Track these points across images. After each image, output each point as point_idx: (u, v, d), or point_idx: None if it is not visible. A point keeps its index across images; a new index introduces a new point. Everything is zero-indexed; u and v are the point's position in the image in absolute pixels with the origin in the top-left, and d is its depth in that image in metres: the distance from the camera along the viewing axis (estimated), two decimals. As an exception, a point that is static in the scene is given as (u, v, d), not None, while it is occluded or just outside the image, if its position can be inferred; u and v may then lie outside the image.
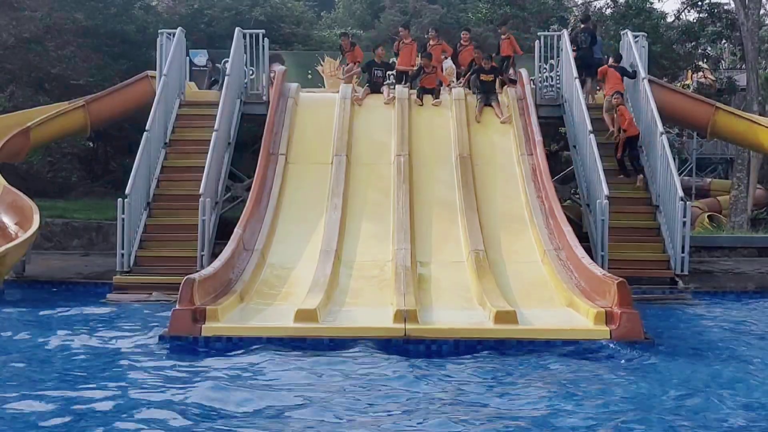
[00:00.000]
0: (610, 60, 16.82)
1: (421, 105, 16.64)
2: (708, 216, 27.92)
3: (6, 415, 6.70)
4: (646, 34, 17.97)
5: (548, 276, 12.00)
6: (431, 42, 18.38)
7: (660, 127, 14.94)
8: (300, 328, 9.55)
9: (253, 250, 12.66)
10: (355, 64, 18.10)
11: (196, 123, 16.42)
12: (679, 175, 17.33)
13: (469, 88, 17.14)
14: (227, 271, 11.42)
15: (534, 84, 17.26)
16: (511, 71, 18.93)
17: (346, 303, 11.07)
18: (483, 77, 16.35)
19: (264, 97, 17.13)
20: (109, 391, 7.50)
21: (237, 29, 17.27)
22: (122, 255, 13.95)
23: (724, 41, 30.95)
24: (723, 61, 36.11)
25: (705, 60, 30.16)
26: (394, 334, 9.39)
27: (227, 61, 16.81)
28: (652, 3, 27.24)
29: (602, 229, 13.80)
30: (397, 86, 17.17)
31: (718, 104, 18.54)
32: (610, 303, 9.75)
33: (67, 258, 17.06)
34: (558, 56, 17.23)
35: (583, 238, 13.75)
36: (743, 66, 28.17)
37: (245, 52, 17.25)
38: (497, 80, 16.69)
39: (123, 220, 13.89)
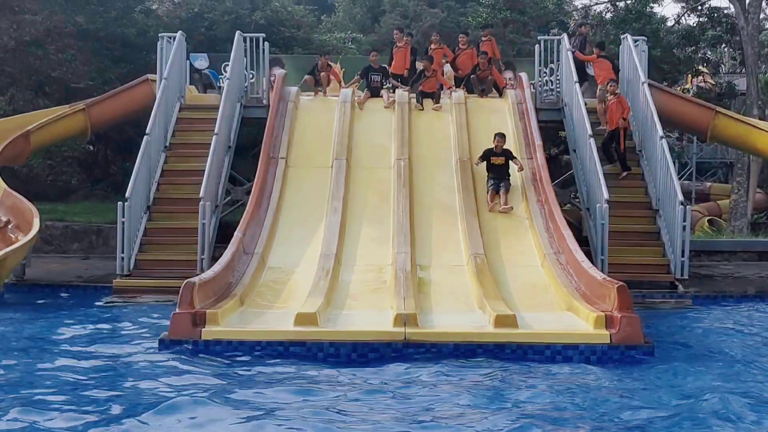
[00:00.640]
0: (595, 50, 17.09)
1: (422, 110, 16.64)
2: (708, 220, 27.96)
3: (5, 418, 6.70)
4: (646, 39, 17.99)
5: (548, 280, 12.00)
6: (432, 46, 18.41)
7: (660, 131, 14.95)
8: (300, 331, 9.55)
9: (253, 254, 12.66)
10: (328, 85, 17.53)
11: (196, 126, 16.43)
12: (679, 179, 17.35)
13: (469, 91, 17.22)
14: (227, 275, 11.43)
15: (534, 88, 17.29)
16: (510, 74, 19.00)
17: (346, 306, 11.07)
18: (493, 159, 14.55)
19: (264, 101, 17.15)
20: (108, 395, 7.50)
21: (237, 33, 17.29)
22: (122, 258, 13.97)
23: (724, 45, 30.98)
24: (723, 66, 36.15)
25: (705, 64, 30.21)
26: (394, 337, 9.38)
27: (227, 65, 16.84)
28: (652, 7, 27.27)
29: (602, 233, 13.81)
30: (397, 90, 17.17)
31: (718, 108, 18.57)
32: (610, 307, 9.74)
33: (67, 261, 17.07)
34: (558, 60, 17.26)
35: (583, 242, 13.75)
36: (743, 70, 28.21)
37: (245, 56, 17.27)
38: (510, 163, 14.62)
39: (123, 223, 13.90)
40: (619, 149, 15.78)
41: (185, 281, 9.83)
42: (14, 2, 21.91)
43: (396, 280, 11.54)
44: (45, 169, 24.45)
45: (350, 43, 30.63)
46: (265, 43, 17.46)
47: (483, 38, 18.79)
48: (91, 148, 24.49)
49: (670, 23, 29.23)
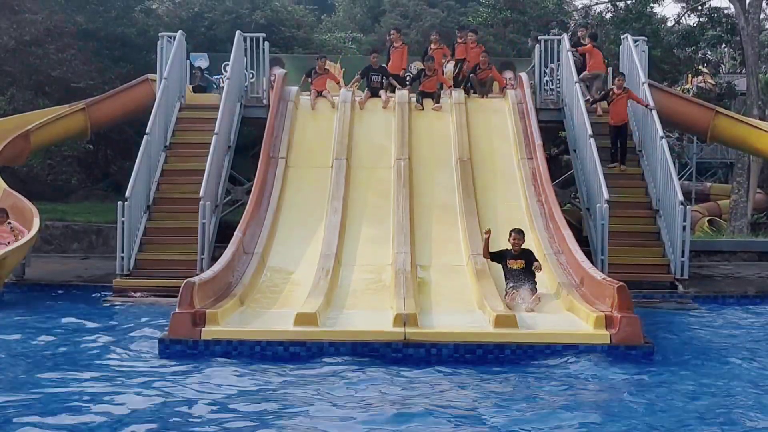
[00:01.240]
0: (588, 40, 17.74)
1: (422, 110, 16.64)
2: (708, 220, 27.97)
3: (4, 418, 6.70)
4: (646, 39, 18.04)
5: (548, 280, 12.00)
6: (432, 45, 18.40)
7: (660, 131, 14.95)
8: (300, 331, 9.54)
9: (253, 254, 12.66)
10: (323, 90, 17.21)
11: (196, 126, 16.43)
12: (679, 179, 17.37)
13: (469, 88, 17.28)
14: (227, 275, 11.42)
15: (534, 88, 17.30)
16: (510, 75, 19.00)
17: (345, 306, 11.07)
18: (510, 263, 11.35)
19: (264, 101, 17.15)
20: (108, 395, 7.50)
21: (237, 33, 17.29)
22: (122, 258, 13.97)
23: (724, 45, 31.01)
24: (723, 66, 36.17)
25: (705, 64, 30.21)
26: (394, 337, 9.38)
27: (227, 65, 16.83)
28: (652, 7, 27.29)
29: (602, 233, 13.81)
30: (397, 90, 17.15)
31: (718, 108, 18.59)
32: (609, 307, 9.74)
33: (66, 261, 17.07)
34: (558, 60, 17.26)
35: (583, 242, 13.74)
36: (743, 70, 28.22)
37: (245, 56, 17.27)
38: (529, 266, 11.31)
39: (123, 223, 13.90)
40: (624, 144, 15.84)
41: (185, 281, 9.82)
42: (14, 2, 21.92)
43: (396, 280, 11.53)
44: (45, 169, 24.46)
45: (350, 43, 30.63)
46: (265, 42, 17.47)
47: (472, 45, 18.63)
48: (91, 147, 24.49)
49: (670, 23, 29.25)
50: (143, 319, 11.59)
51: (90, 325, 11.23)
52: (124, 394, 7.54)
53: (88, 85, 21.66)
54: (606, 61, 18.17)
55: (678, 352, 9.85)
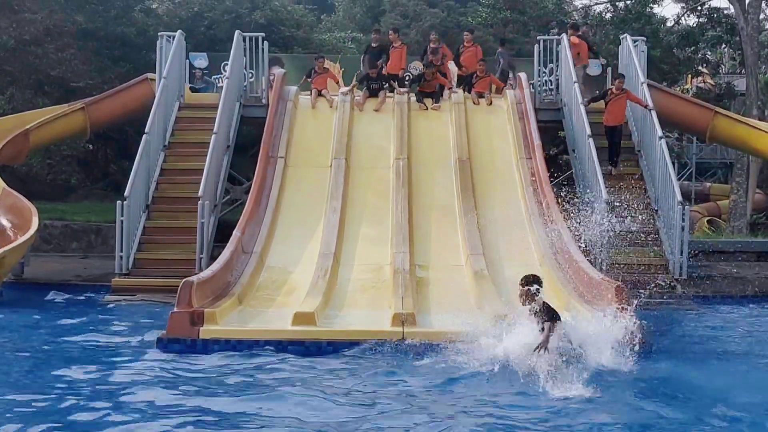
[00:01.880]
0: (570, 31, 17.85)
1: (426, 109, 16.60)
2: (707, 220, 27.93)
3: (4, 418, 6.70)
4: (645, 39, 18.03)
5: (547, 280, 11.98)
6: (432, 45, 18.38)
7: (659, 132, 14.95)
8: (298, 330, 9.55)
9: (251, 253, 12.66)
10: (323, 89, 17.20)
11: (195, 126, 16.44)
12: (679, 179, 17.39)
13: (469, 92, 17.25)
14: (226, 274, 11.42)
15: (533, 88, 17.29)
16: (510, 75, 18.98)
17: (344, 306, 11.08)
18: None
19: (263, 100, 17.16)
20: (106, 393, 7.50)
21: (237, 32, 17.30)
22: (121, 257, 13.98)
23: (723, 46, 30.98)
24: (722, 66, 36.13)
25: (704, 64, 30.20)
26: (392, 337, 9.38)
27: (227, 65, 16.83)
28: (651, 7, 27.27)
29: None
30: (396, 91, 17.11)
31: (717, 109, 18.58)
32: (608, 307, 9.72)
33: (66, 260, 17.06)
34: (557, 60, 17.26)
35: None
36: (743, 71, 28.19)
37: (245, 55, 17.27)
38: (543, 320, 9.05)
39: (122, 222, 13.91)
40: (618, 145, 15.81)
41: (184, 280, 9.84)
42: (14, 1, 21.91)
43: (394, 279, 11.55)
44: (44, 168, 24.44)
45: (350, 43, 30.62)
46: (265, 42, 17.47)
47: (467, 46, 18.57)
48: (91, 147, 24.48)
49: (669, 23, 29.22)
50: (142, 319, 11.59)
51: (88, 324, 11.23)
52: (122, 393, 7.54)
53: (88, 84, 21.65)
54: (595, 48, 18.11)
55: (676, 351, 9.83)
